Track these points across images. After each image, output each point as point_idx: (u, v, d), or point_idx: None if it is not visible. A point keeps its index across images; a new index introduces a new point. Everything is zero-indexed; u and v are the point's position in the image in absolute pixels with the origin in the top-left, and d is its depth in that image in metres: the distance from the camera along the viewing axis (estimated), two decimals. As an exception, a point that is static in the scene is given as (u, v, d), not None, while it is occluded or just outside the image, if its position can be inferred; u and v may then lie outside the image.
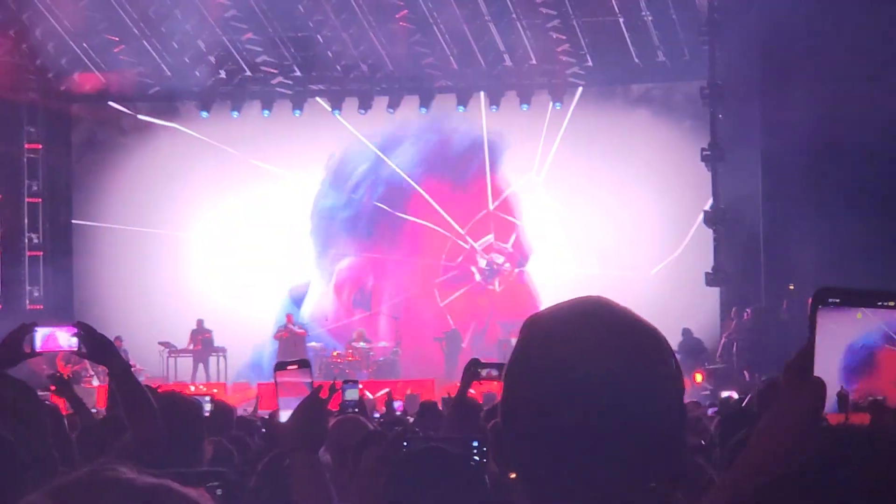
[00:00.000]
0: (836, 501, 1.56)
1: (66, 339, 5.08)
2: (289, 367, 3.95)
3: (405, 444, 3.90)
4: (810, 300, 1.86)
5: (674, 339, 23.88)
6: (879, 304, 1.85)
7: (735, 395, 16.29)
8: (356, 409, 7.55)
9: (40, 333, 5.06)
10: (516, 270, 29.45)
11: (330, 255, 29.97)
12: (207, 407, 8.44)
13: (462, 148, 29.46)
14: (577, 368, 1.93)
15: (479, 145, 29.44)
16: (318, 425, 3.69)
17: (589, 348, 1.95)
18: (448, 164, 29.67)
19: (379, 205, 29.74)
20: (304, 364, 3.97)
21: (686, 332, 25.64)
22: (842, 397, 1.85)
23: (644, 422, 1.92)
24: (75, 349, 5.03)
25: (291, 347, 26.84)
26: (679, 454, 1.97)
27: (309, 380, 3.90)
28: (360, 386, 11.12)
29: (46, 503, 1.58)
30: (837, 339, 1.85)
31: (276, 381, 3.95)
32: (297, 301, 29.75)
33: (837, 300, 1.85)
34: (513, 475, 1.99)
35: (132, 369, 5.03)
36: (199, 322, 28.22)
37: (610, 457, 1.91)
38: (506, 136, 29.26)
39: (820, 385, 1.81)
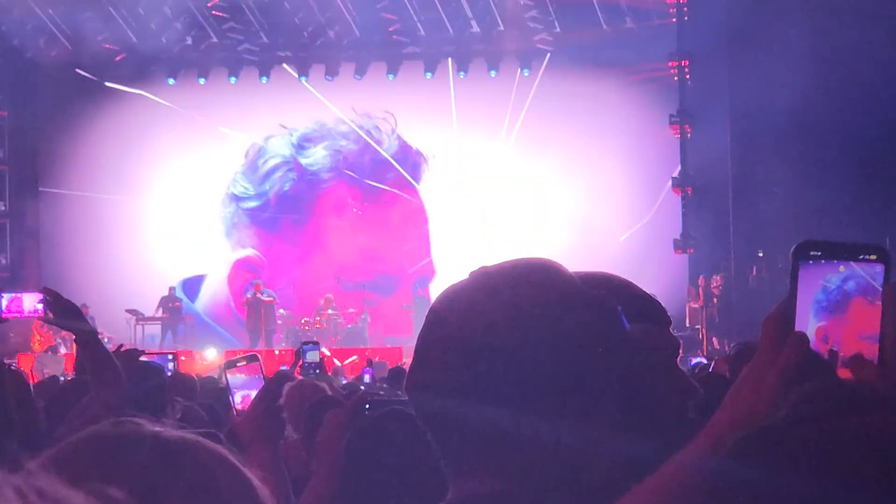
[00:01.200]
0: (817, 454, 1.55)
1: (32, 305, 5.08)
2: (238, 365, 4.04)
3: (367, 407, 3.91)
4: (791, 253, 1.82)
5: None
6: (861, 256, 1.83)
7: (704, 362, 16.36)
8: (317, 371, 7.50)
9: (6, 299, 5.05)
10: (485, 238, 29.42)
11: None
12: (170, 366, 8.53)
13: (430, 115, 29.35)
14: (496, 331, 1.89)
15: (447, 112, 29.36)
16: (275, 417, 3.72)
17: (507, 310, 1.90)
18: (416, 132, 29.60)
19: (348, 172, 29.68)
20: (252, 359, 4.08)
21: (654, 299, 25.67)
22: (830, 353, 1.81)
23: (562, 386, 1.89)
24: (41, 315, 5.02)
25: (259, 314, 26.70)
26: (599, 417, 1.94)
27: (259, 373, 4.00)
28: (325, 351, 11.06)
29: (48, 465, 1.28)
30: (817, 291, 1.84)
31: (227, 380, 4.03)
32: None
33: (819, 253, 1.84)
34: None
35: (98, 335, 5.02)
36: (171, 289, 28.12)
37: (523, 421, 1.87)
38: (474, 102, 29.17)
39: (803, 339, 1.78)
